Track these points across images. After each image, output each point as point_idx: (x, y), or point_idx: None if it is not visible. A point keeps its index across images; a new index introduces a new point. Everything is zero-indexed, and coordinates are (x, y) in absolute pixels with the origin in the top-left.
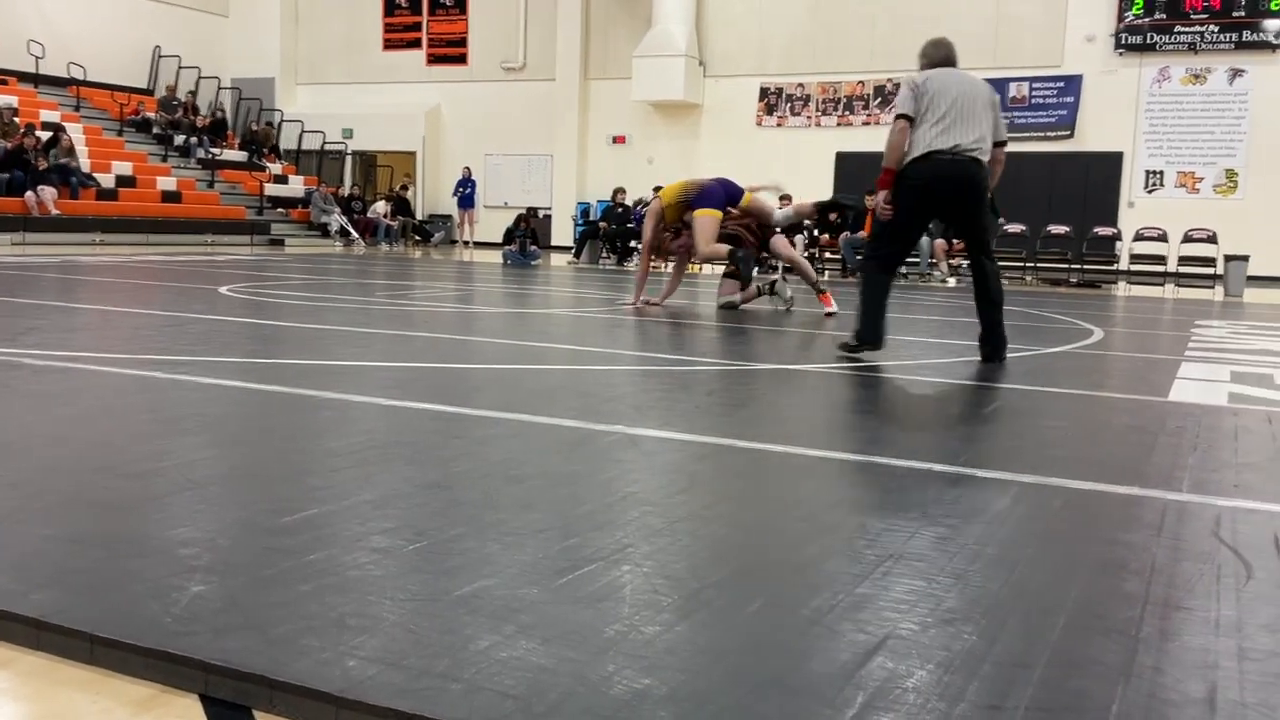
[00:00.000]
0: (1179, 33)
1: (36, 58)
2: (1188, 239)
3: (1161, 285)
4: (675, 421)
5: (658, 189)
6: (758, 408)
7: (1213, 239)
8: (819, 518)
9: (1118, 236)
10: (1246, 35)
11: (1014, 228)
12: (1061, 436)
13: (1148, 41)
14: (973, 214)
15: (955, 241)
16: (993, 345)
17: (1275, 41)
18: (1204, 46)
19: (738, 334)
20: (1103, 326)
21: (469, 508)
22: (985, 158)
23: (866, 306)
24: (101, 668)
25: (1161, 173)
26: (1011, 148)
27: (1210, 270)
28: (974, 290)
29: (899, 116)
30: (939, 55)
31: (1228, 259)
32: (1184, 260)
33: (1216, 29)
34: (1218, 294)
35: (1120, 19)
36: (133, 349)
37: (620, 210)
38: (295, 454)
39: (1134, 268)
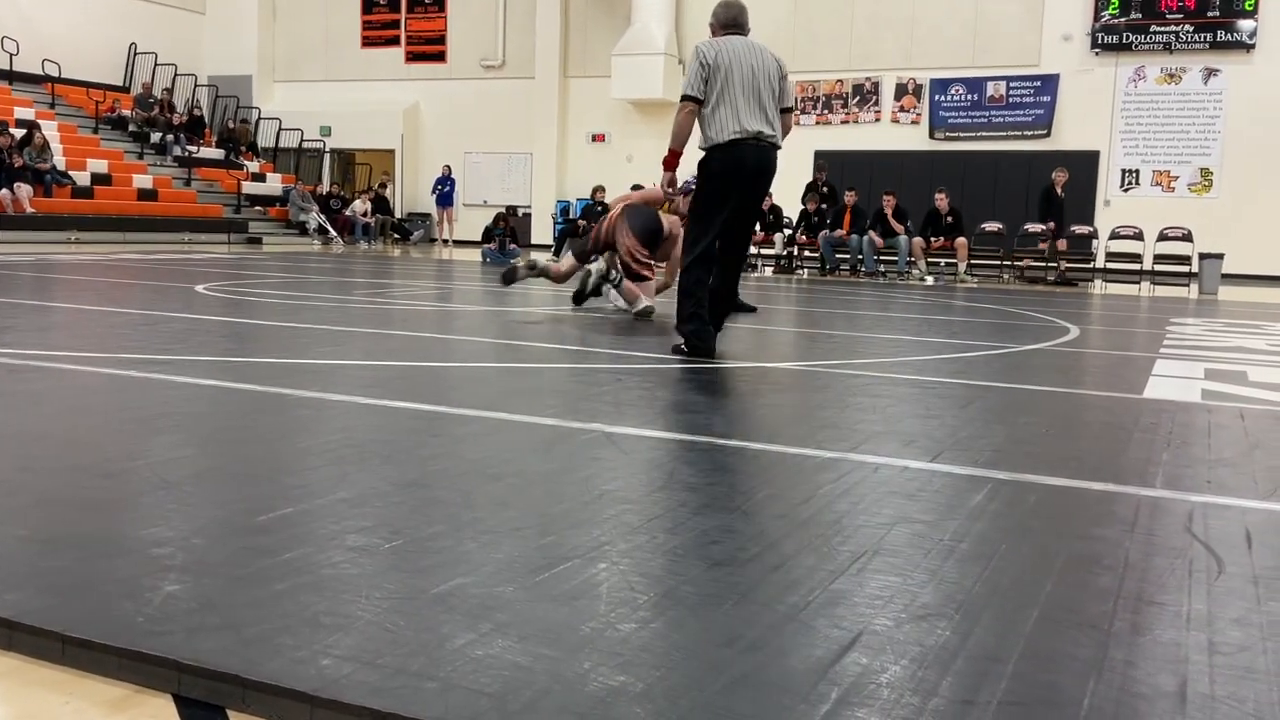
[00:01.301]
0: (1154, 32)
1: (10, 54)
2: (1163, 237)
3: (1137, 283)
4: (653, 419)
5: (636, 187)
6: (737, 405)
7: (1188, 237)
8: (795, 514)
9: (1094, 235)
10: (1221, 35)
11: (991, 226)
12: (1036, 433)
13: (1123, 41)
14: (758, 204)
15: (934, 240)
16: (721, 315)
17: (1249, 41)
18: (1179, 46)
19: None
20: (1079, 324)
21: (446, 506)
22: (780, 144)
23: (696, 312)
24: (74, 668)
25: (1137, 171)
26: (989, 146)
27: (1185, 268)
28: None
29: (687, 98)
30: (728, 17)
31: (1202, 257)
32: (1159, 258)
33: (1191, 29)
34: (1192, 292)
35: (1096, 18)
36: (108, 348)
37: (600, 209)
38: (271, 453)
39: (1110, 266)
